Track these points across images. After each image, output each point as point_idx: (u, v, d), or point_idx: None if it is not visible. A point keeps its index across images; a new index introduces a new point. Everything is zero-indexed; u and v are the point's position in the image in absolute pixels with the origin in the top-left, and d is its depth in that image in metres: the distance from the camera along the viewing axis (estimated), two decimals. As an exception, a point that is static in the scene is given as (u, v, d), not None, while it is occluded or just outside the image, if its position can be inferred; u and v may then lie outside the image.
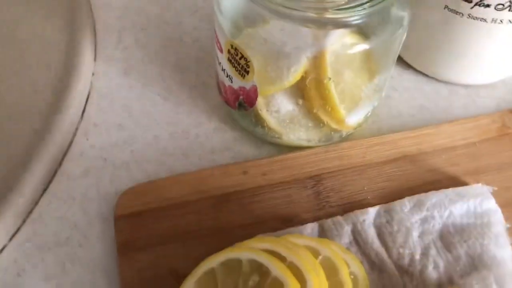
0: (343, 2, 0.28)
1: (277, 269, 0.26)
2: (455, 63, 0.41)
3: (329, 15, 0.29)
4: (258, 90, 0.33)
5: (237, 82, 0.34)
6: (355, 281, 0.29)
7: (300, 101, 0.34)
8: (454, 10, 0.36)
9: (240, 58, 0.32)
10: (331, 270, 0.28)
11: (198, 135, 0.39)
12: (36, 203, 0.35)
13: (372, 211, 0.33)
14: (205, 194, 0.35)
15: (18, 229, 0.34)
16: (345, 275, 0.28)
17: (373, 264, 0.31)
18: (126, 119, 0.40)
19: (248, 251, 0.28)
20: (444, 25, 0.38)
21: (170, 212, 0.34)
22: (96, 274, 0.32)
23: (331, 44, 0.31)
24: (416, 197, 0.34)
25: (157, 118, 0.40)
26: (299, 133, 0.36)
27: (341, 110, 0.34)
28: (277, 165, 0.36)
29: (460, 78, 0.42)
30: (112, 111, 0.41)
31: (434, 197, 0.33)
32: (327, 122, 0.35)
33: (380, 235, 0.32)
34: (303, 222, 0.33)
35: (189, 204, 0.34)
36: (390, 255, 0.31)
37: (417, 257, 0.31)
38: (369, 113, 0.37)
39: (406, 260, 0.31)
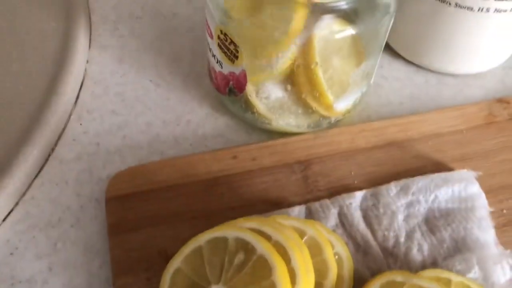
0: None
1: (262, 247, 0.27)
2: (443, 53, 0.41)
3: (317, 0, 0.30)
4: (248, 77, 0.34)
5: (227, 68, 0.34)
6: (339, 261, 0.30)
7: (289, 87, 0.34)
8: (442, -1, 0.37)
9: (229, 44, 0.32)
10: (315, 250, 0.29)
11: (190, 121, 0.40)
12: (29, 186, 0.36)
13: (358, 195, 0.34)
14: (195, 178, 0.35)
15: (11, 211, 0.35)
16: (329, 255, 0.29)
17: (358, 246, 0.32)
18: (119, 105, 0.41)
19: (234, 229, 0.28)
20: (432, 15, 0.39)
21: (160, 195, 0.34)
22: (87, 254, 0.33)
23: (319, 29, 0.31)
24: (402, 181, 0.34)
25: (150, 105, 0.41)
26: (288, 119, 0.37)
27: (329, 95, 0.34)
28: (266, 150, 0.37)
29: (449, 68, 0.42)
30: (105, 97, 0.41)
31: (420, 181, 0.34)
32: (315, 108, 0.35)
33: (366, 218, 0.33)
34: (291, 205, 0.34)
35: (179, 187, 0.35)
36: (375, 237, 0.32)
37: (402, 239, 0.32)
38: (358, 100, 0.38)
39: (391, 243, 0.32)
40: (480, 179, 0.34)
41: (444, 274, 0.29)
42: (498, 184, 0.35)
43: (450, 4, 0.37)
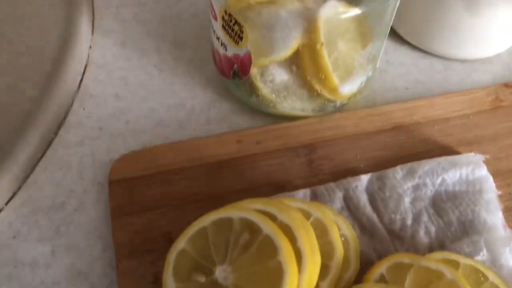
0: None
1: (268, 227, 0.27)
2: (450, 38, 0.41)
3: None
4: (253, 62, 0.34)
5: (232, 50, 0.34)
6: (345, 242, 0.29)
7: (294, 69, 0.34)
8: (449, -19, 0.36)
9: (234, 24, 0.32)
10: (321, 231, 0.29)
11: (194, 106, 0.40)
12: (33, 169, 0.36)
13: (364, 178, 0.33)
14: (199, 162, 0.35)
15: (14, 194, 0.35)
16: (335, 236, 0.29)
17: (364, 229, 0.32)
18: (122, 90, 0.40)
19: (240, 210, 0.28)
20: (439, -2, 0.38)
21: (164, 178, 0.34)
22: (90, 238, 0.33)
23: (325, 10, 0.31)
24: (408, 165, 0.34)
25: (153, 90, 0.41)
26: (293, 103, 0.36)
27: (334, 78, 0.34)
28: (271, 134, 0.36)
29: (455, 53, 0.42)
30: (108, 82, 0.41)
31: (426, 165, 0.34)
32: (320, 90, 0.35)
33: (372, 201, 0.32)
34: (296, 188, 0.33)
35: (183, 170, 0.34)
36: (381, 220, 0.32)
37: (409, 222, 0.32)
38: (363, 84, 0.37)
39: (397, 225, 0.31)
40: (487, 163, 0.34)
41: (452, 256, 0.29)
42: (505, 168, 0.35)
43: (457, -14, 0.36)
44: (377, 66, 0.38)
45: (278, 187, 0.34)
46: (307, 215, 0.29)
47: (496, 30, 0.40)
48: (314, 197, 0.33)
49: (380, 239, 0.31)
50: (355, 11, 0.31)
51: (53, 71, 0.39)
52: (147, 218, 0.32)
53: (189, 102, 0.40)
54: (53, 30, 0.41)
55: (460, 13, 0.38)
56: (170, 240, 0.31)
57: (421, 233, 0.31)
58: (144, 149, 0.35)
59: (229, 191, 0.34)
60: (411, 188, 0.33)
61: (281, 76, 0.35)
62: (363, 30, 0.33)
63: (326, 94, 0.35)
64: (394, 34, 0.44)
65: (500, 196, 0.33)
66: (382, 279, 0.27)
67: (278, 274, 0.25)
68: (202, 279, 0.26)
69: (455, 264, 0.28)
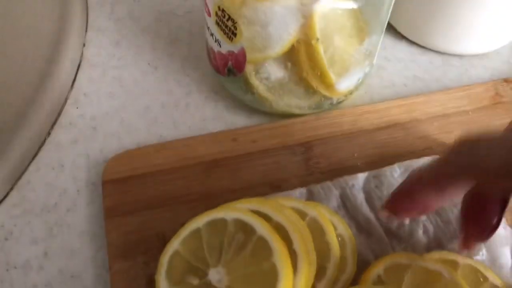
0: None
1: (262, 228, 0.26)
2: (448, 33, 0.40)
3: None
4: (248, 59, 0.33)
5: (226, 46, 0.33)
6: (342, 242, 0.29)
7: (289, 65, 0.33)
8: (447, -25, 0.36)
9: (227, 20, 0.31)
10: (317, 231, 0.28)
11: (189, 104, 0.39)
12: (25, 170, 0.35)
13: (361, 176, 0.33)
14: (194, 161, 0.34)
15: (6, 195, 0.34)
16: (332, 236, 0.28)
17: (361, 228, 0.31)
18: (116, 88, 0.40)
19: (234, 211, 0.27)
20: (437, -8, 0.38)
21: (158, 178, 0.33)
22: (83, 239, 0.32)
23: (320, 6, 0.30)
24: (406, 162, 0.33)
25: (148, 88, 0.40)
26: (289, 100, 0.36)
27: (331, 74, 0.33)
28: (266, 132, 0.36)
29: (454, 48, 0.41)
30: (102, 80, 0.40)
31: (424, 163, 0.33)
32: (317, 87, 0.34)
33: (369, 199, 0.32)
34: (292, 187, 0.33)
35: (177, 170, 0.34)
36: (378, 219, 0.31)
37: (406, 221, 0.31)
38: (360, 81, 0.37)
39: (394, 224, 0.31)
40: (486, 160, 0.33)
41: (451, 256, 0.28)
42: (505, 165, 0.34)
43: (455, -20, 0.36)
44: (375, 62, 0.38)
45: (274, 186, 0.33)
46: (303, 214, 0.29)
47: (495, 25, 0.39)
48: (311, 196, 0.32)
49: (377, 238, 0.30)
50: (351, 4, 0.30)
51: (46, 69, 0.38)
52: (141, 218, 0.32)
53: (184, 100, 0.39)
54: (46, 27, 0.41)
55: (459, 8, 0.38)
56: (164, 240, 0.30)
57: (419, 232, 0.31)
58: (138, 149, 0.35)
59: (224, 190, 0.33)
60: (409, 187, 0.32)
61: (276, 73, 0.34)
62: (360, 25, 0.33)
63: (322, 91, 0.35)
64: (392, 30, 0.43)
65: (499, 194, 0.32)
66: (379, 280, 0.27)
67: (272, 276, 0.25)
68: (195, 281, 0.26)
69: (454, 264, 0.28)
